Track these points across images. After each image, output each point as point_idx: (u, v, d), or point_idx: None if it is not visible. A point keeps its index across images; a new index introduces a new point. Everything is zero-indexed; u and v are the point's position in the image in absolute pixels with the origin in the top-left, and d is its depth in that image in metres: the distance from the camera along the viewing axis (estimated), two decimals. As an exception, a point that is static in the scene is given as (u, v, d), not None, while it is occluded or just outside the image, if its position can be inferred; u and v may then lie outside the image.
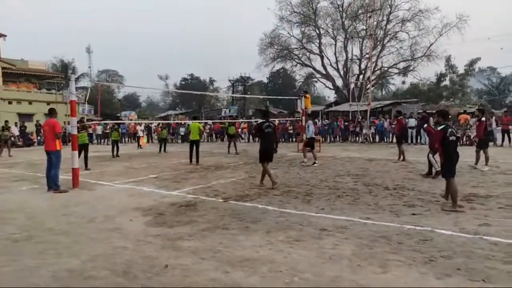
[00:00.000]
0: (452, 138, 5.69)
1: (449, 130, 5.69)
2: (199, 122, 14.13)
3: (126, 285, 3.18)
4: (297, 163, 11.91)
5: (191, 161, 12.47)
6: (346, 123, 23.41)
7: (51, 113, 8.08)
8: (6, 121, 19.00)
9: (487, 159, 9.69)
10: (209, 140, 28.10)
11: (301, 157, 13.43)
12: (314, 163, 11.21)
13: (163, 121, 17.21)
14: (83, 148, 11.44)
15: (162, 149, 17.71)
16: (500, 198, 6.13)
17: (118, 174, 10.27)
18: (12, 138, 19.78)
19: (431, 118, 20.36)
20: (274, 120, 13.91)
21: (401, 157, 11.84)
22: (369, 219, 5.06)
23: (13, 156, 16.49)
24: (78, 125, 11.46)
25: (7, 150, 16.94)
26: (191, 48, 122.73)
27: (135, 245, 4.19)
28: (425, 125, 10.11)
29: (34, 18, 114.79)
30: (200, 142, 12.95)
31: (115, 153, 15.83)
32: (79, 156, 11.02)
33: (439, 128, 5.88)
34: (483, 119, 9.80)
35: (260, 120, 7.70)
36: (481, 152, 9.70)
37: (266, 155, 7.57)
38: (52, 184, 7.66)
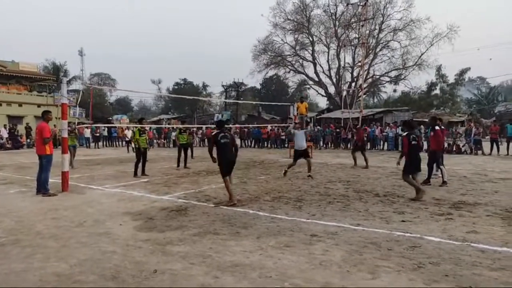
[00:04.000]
0: (225, 140, 6.64)
1: (220, 135, 6.66)
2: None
3: (115, 290, 3.15)
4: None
5: (178, 165, 12.46)
6: (338, 130, 23.58)
7: (43, 116, 8.00)
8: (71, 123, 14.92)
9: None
10: (202, 145, 28.04)
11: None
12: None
13: (183, 126, 13.28)
14: (143, 154, 10.54)
15: (182, 163, 12.55)
16: (488, 206, 6.22)
17: (108, 178, 10.18)
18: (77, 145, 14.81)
19: (422, 126, 20.67)
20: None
21: (364, 164, 12.17)
22: (359, 225, 5.09)
23: (78, 167, 12.60)
24: (139, 127, 10.73)
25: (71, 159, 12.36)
26: (185, 53, 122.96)
27: (124, 249, 4.16)
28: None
29: (26, 20, 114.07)
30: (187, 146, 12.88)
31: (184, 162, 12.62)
32: (139, 163, 10.32)
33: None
34: (437, 128, 8.72)
35: (214, 131, 6.99)
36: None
37: (228, 167, 6.77)
38: (41, 187, 7.57)
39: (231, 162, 6.80)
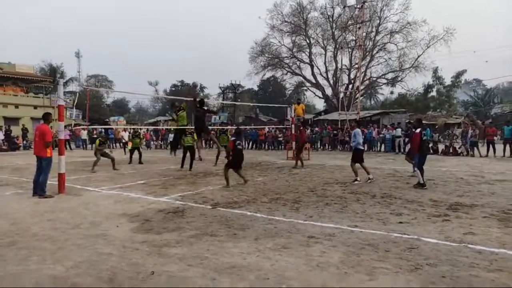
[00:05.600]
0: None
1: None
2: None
3: (111, 292, 3.13)
4: (286, 171, 11.94)
5: (182, 166, 12.50)
6: (335, 132, 23.61)
7: (44, 118, 7.93)
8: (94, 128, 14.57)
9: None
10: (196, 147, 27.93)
11: (289, 164, 13.47)
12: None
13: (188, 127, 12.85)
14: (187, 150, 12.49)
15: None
16: (485, 207, 6.23)
17: (105, 180, 10.14)
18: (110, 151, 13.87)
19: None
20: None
21: (301, 164, 12.82)
22: (356, 227, 5.09)
23: (95, 172, 11.72)
24: (190, 128, 12.55)
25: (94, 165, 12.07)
26: (182, 55, 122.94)
27: (121, 251, 4.14)
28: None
29: (23, 22, 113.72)
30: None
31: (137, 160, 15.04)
32: (185, 156, 12.44)
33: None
34: (417, 130, 8.59)
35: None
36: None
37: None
38: (38, 189, 7.51)
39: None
